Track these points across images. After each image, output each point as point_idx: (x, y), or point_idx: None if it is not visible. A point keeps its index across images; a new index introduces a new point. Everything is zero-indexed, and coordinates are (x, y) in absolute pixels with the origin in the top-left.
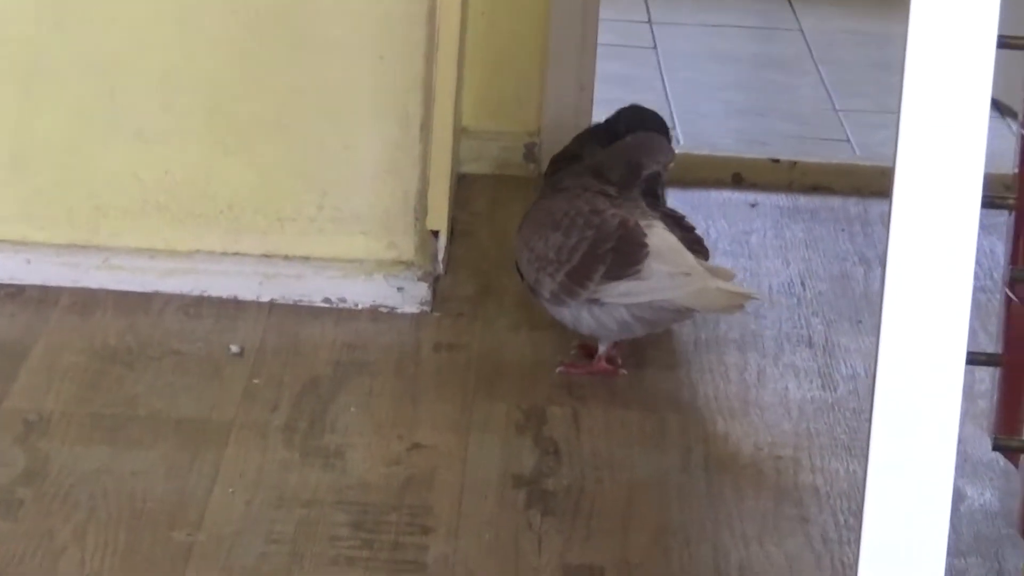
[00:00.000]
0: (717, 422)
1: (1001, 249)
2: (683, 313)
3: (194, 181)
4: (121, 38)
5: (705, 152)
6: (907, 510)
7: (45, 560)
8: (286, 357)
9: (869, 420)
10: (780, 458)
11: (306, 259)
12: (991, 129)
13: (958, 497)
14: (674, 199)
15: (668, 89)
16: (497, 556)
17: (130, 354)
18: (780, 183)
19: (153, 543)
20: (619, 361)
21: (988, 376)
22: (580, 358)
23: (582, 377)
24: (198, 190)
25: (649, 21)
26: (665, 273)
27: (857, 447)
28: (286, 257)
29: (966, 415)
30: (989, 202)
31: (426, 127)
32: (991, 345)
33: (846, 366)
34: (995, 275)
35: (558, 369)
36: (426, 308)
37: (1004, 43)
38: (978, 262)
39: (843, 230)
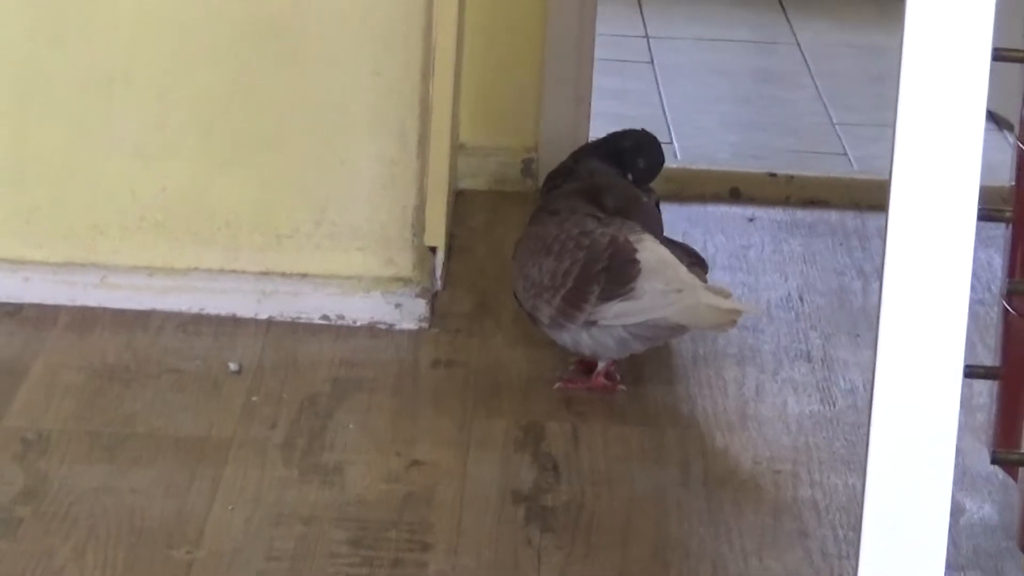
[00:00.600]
0: (716, 437)
1: (999, 261)
2: (678, 330)
3: (191, 198)
4: (118, 54)
5: (702, 166)
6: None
7: None
8: (284, 374)
9: (867, 434)
10: (779, 472)
11: (304, 276)
12: (987, 141)
13: (957, 510)
14: (671, 214)
15: (665, 103)
16: (496, 573)
17: (128, 372)
18: (778, 197)
19: (152, 561)
20: (618, 377)
21: (986, 389)
22: (578, 374)
23: (580, 393)
24: (195, 207)
25: (646, 35)
26: (658, 291)
27: (856, 461)
28: (284, 274)
29: (964, 428)
30: (986, 215)
31: (423, 143)
32: (989, 358)
33: (844, 380)
34: (993, 288)
35: (556, 385)
36: (424, 324)
37: (999, 56)
38: (975, 275)
39: (841, 244)
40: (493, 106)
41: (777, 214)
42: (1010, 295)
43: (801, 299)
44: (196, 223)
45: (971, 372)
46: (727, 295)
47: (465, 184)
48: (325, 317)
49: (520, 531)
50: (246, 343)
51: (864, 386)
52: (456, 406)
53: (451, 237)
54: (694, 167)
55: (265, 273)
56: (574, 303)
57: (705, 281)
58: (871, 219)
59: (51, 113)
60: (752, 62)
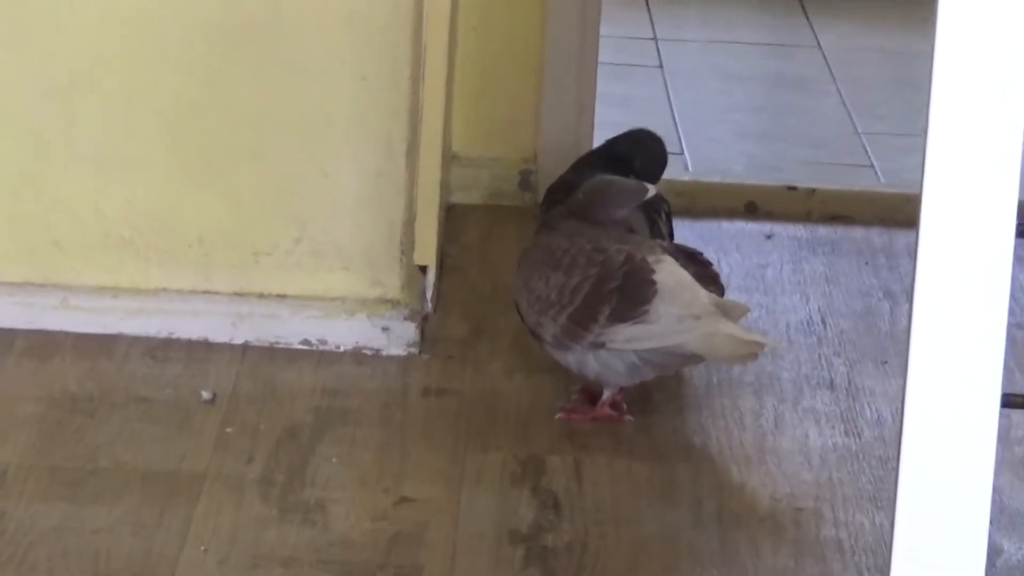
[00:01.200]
0: (731, 472)
1: None
2: (693, 359)
3: (160, 213)
4: (79, 58)
5: (716, 179)
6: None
7: None
8: (262, 404)
9: (896, 469)
10: (800, 511)
11: (282, 297)
12: None
13: (994, 552)
14: (683, 230)
15: (675, 111)
16: None
17: (92, 402)
18: (798, 212)
19: None
20: (624, 406)
21: None
22: (582, 403)
23: (584, 424)
24: (164, 223)
25: (654, 38)
26: (674, 316)
27: (884, 498)
28: (261, 295)
29: (1002, 462)
30: None
31: (412, 153)
32: None
33: (871, 410)
34: None
35: (558, 415)
36: (414, 350)
37: None
38: (1013, 296)
39: (867, 263)
40: (488, 113)
41: (797, 231)
42: None
43: (823, 323)
44: (165, 240)
45: (1009, 401)
46: (745, 311)
47: (458, 198)
48: (306, 342)
49: (519, 574)
50: (220, 370)
51: (893, 417)
52: (448, 438)
53: (443, 255)
54: (707, 180)
55: (240, 294)
56: (581, 322)
57: (721, 295)
58: (900, 236)
59: (6, 121)
60: (770, 66)
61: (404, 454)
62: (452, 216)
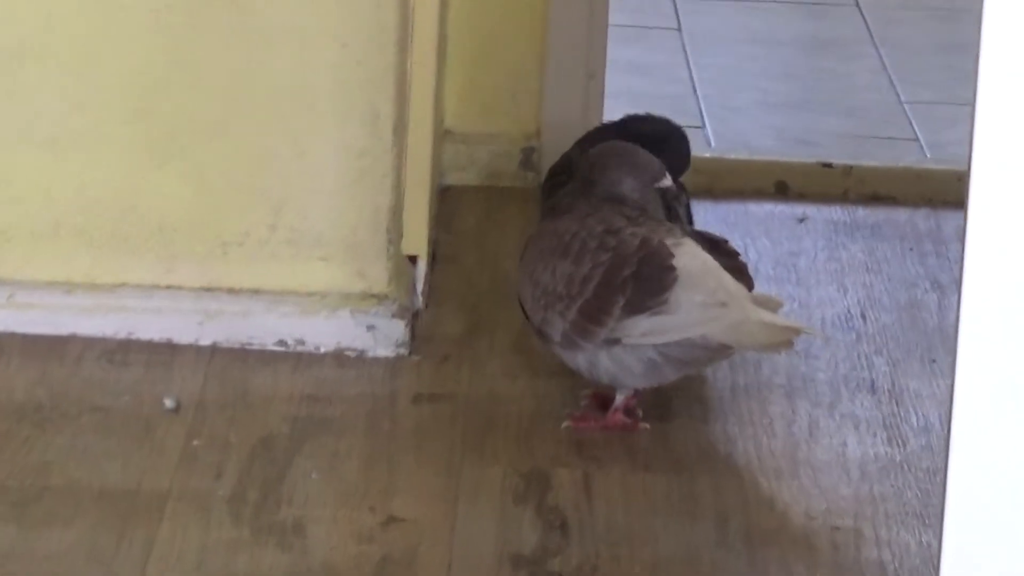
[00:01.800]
0: (760, 486)
1: None
2: (721, 351)
3: (117, 198)
4: (25, 24)
5: (741, 156)
6: None
7: None
8: (232, 413)
9: (944, 481)
10: (838, 529)
11: (255, 292)
12: None
13: None
14: (704, 214)
15: (695, 79)
16: None
17: (41, 412)
18: (833, 192)
19: None
20: (639, 412)
21: None
22: (592, 409)
23: (595, 433)
24: (122, 209)
25: None
26: (697, 304)
27: (931, 514)
28: (231, 290)
29: None
30: None
31: (400, 129)
32: None
33: (917, 416)
34: None
35: (565, 423)
36: (403, 351)
37: None
38: None
39: (911, 249)
40: (485, 83)
41: (833, 213)
42: None
43: (863, 317)
44: (124, 228)
45: None
46: (778, 305)
47: (452, 179)
48: (282, 342)
49: None
50: (185, 375)
51: (941, 423)
52: (442, 450)
53: (435, 244)
54: (731, 157)
55: (208, 289)
56: (594, 316)
57: (750, 289)
58: (948, 218)
59: None
60: (801, 27)
61: (392, 468)
62: (445, 199)
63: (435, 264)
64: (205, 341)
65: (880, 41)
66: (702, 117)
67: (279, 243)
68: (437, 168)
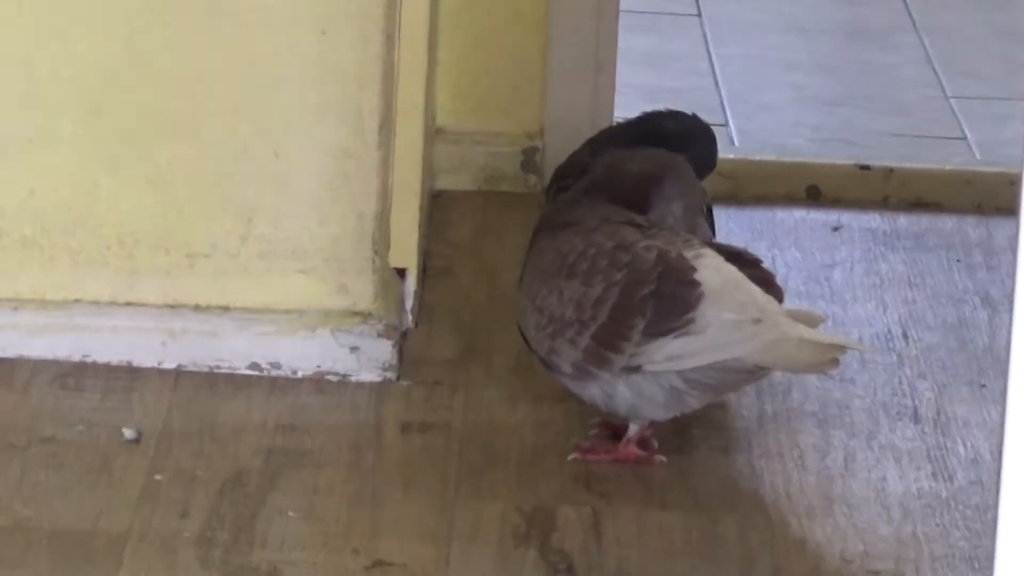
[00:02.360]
0: (790, 525)
1: None
2: (755, 374)
3: (70, 205)
4: None
5: (769, 157)
6: None
7: None
8: (199, 444)
9: (995, 520)
10: (877, 573)
11: (225, 310)
12: None
13: None
14: (727, 222)
15: (717, 71)
16: None
17: None
18: (872, 198)
19: None
20: (655, 444)
21: None
22: (602, 440)
23: (605, 466)
24: (76, 218)
25: None
26: (728, 323)
27: (981, 556)
28: (198, 307)
29: None
30: None
31: (386, 127)
32: None
33: (965, 447)
34: None
35: (572, 455)
36: (390, 375)
37: None
38: None
39: (958, 260)
40: (482, 76)
41: (872, 220)
42: None
43: (905, 336)
44: (77, 239)
45: None
46: (818, 321)
47: (445, 183)
48: (255, 366)
49: None
50: (147, 402)
51: (992, 454)
52: (435, 485)
53: (426, 256)
54: (757, 158)
55: (172, 306)
56: (610, 343)
57: (780, 301)
58: (999, 226)
59: None
60: (837, 14)
61: (379, 506)
62: (438, 206)
63: (426, 278)
64: (169, 364)
65: (925, 29)
66: (725, 114)
67: (251, 255)
68: (428, 171)
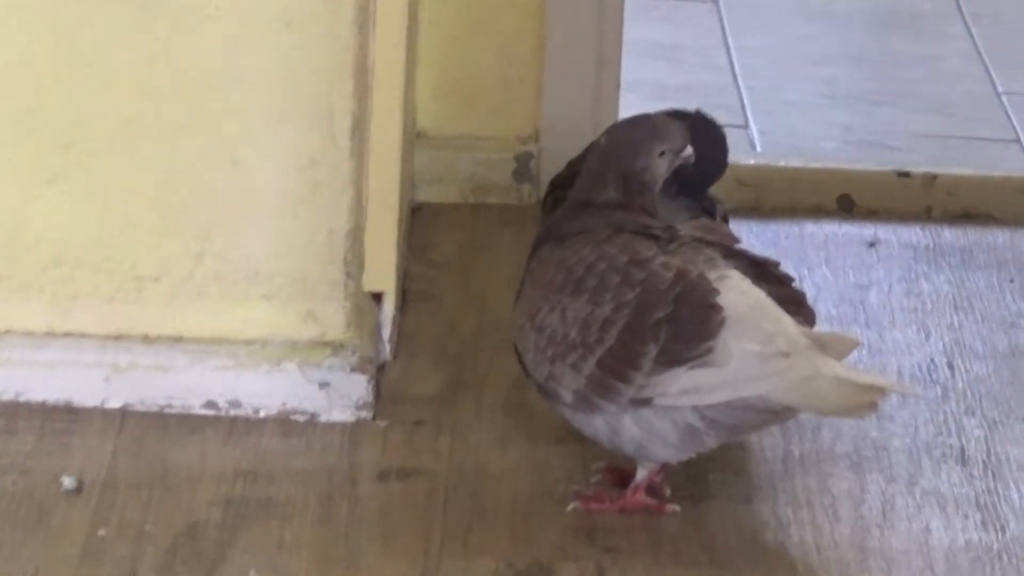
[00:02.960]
0: None
1: None
2: (780, 414)
3: (0, 224)
4: None
5: (795, 163)
6: None
7: None
8: (149, 494)
9: None
10: None
11: (177, 340)
12: None
13: None
14: (748, 236)
15: (736, 65)
16: None
17: None
18: (913, 209)
19: None
20: (667, 491)
21: None
22: (607, 486)
23: (609, 516)
24: (6, 237)
25: None
26: (752, 355)
27: None
28: (146, 338)
29: None
30: None
31: (360, 131)
32: None
33: (1019, 493)
34: None
35: (572, 505)
36: (365, 414)
37: None
38: None
39: (1011, 280)
40: (468, 73)
41: (912, 235)
42: None
43: (950, 367)
44: (8, 261)
45: None
46: (852, 345)
47: (427, 195)
48: (211, 404)
49: None
50: (89, 446)
51: None
52: (416, 540)
53: (406, 278)
54: (781, 164)
55: (117, 337)
56: (618, 370)
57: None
58: None
59: None
60: (873, 0)
61: (353, 563)
62: (419, 221)
63: (406, 303)
64: (114, 403)
65: (972, 17)
66: (745, 114)
67: (206, 277)
68: (408, 181)
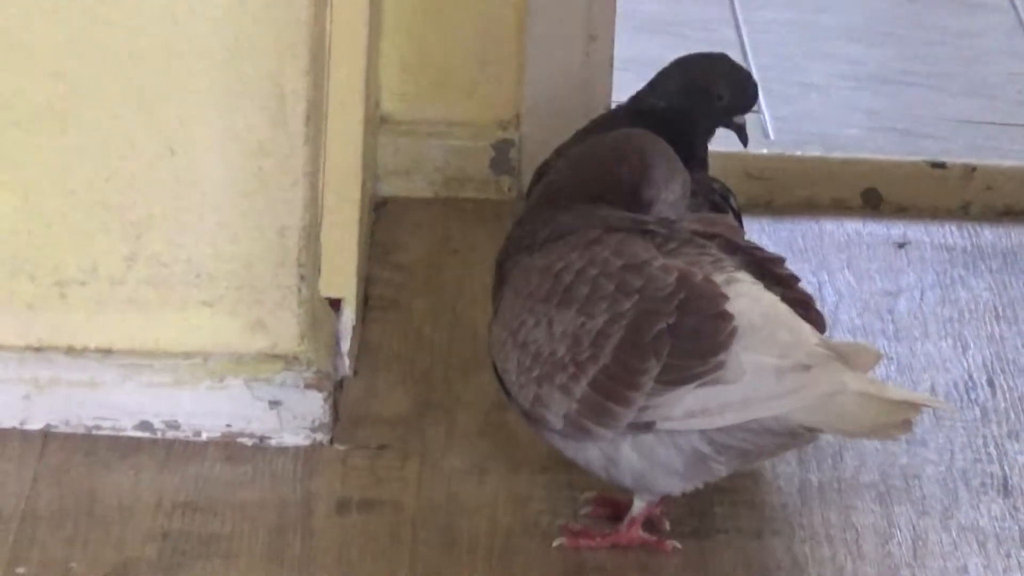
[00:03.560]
0: None
1: None
2: (800, 437)
3: None
4: None
5: (813, 152)
6: None
7: None
8: (74, 528)
9: None
10: None
11: (106, 353)
12: None
13: None
14: (760, 235)
15: (747, 41)
16: None
17: None
18: (948, 205)
19: None
20: (666, 525)
21: None
22: (598, 520)
23: (601, 554)
24: None
25: None
26: (768, 370)
27: None
28: (71, 350)
29: None
30: None
31: (315, 115)
32: None
33: None
34: None
35: (558, 541)
36: (322, 437)
37: None
38: None
39: None
40: (439, 50)
41: (947, 234)
42: None
43: (991, 385)
44: None
45: None
46: (874, 358)
47: (392, 188)
48: (145, 426)
49: None
50: (6, 473)
51: None
52: None
53: (368, 282)
54: (798, 155)
55: (38, 349)
56: (615, 391)
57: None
58: None
59: None
60: None
61: None
62: (384, 218)
63: (369, 312)
64: (34, 424)
65: None
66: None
67: (140, 281)
68: (370, 172)
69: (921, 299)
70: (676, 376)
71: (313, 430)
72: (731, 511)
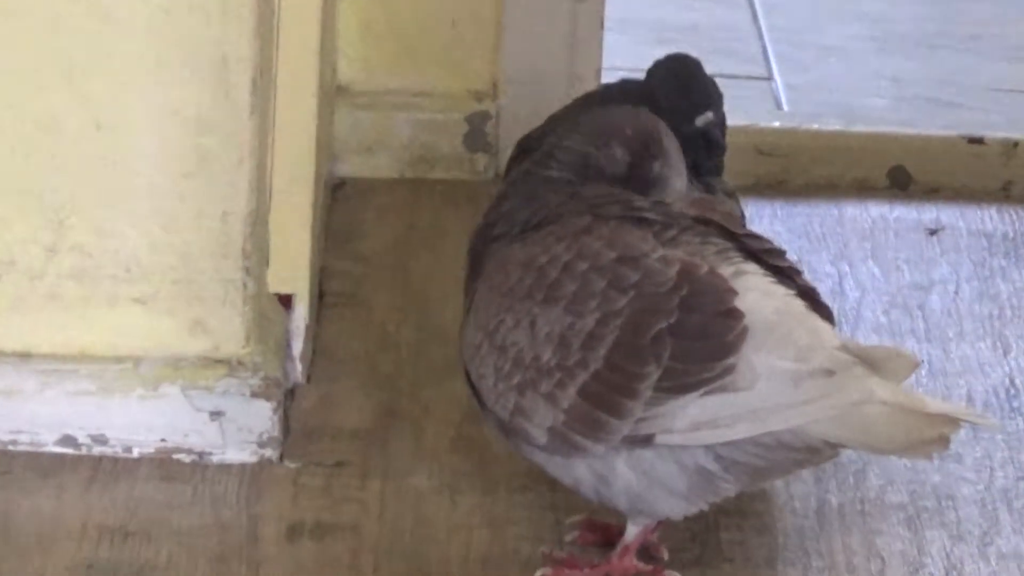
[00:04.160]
0: None
1: None
2: (820, 453)
3: None
4: None
5: (832, 127)
6: None
7: None
8: None
9: None
10: None
11: (24, 357)
12: None
13: None
14: (771, 222)
15: (758, 6)
16: None
17: None
18: (986, 186)
19: None
20: (663, 553)
21: None
22: (585, 548)
23: None
24: None
25: None
26: (784, 374)
27: None
28: None
29: None
30: None
31: (263, 85)
32: None
33: None
34: None
35: (540, 571)
36: (270, 453)
37: None
38: None
39: None
40: (405, 11)
41: (984, 220)
42: None
43: None
44: None
45: None
46: (912, 365)
47: (351, 168)
48: (69, 441)
49: None
50: None
51: None
52: None
53: (323, 276)
54: (816, 128)
55: None
56: (607, 400)
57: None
58: None
59: None
60: None
61: None
62: (342, 202)
63: (324, 309)
64: None
65: None
66: (768, 63)
67: (62, 275)
68: (325, 150)
69: (956, 293)
70: (678, 383)
71: (260, 445)
72: (739, 536)
